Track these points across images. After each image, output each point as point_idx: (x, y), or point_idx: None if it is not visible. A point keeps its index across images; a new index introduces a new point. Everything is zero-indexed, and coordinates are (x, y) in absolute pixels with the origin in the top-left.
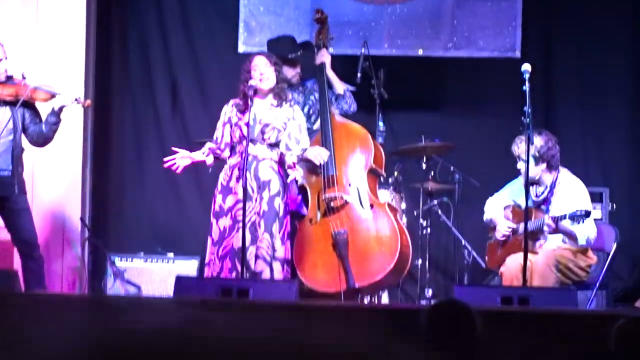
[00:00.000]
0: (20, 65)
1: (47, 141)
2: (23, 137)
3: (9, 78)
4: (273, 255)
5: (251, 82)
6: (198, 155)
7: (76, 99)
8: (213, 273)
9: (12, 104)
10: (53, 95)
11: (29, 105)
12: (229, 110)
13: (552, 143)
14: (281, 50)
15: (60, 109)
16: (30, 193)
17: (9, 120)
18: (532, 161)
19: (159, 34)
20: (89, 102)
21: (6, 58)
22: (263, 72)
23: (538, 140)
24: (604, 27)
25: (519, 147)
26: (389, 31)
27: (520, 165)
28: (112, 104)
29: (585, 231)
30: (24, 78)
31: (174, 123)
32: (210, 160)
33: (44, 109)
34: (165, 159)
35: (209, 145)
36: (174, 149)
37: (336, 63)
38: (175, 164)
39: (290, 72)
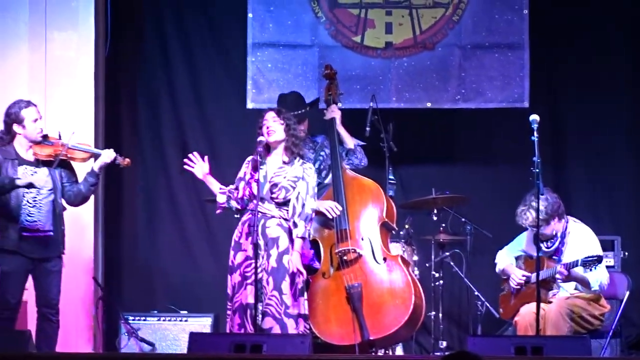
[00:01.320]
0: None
1: (84, 200)
2: None
3: (45, 137)
4: (284, 312)
5: (260, 138)
6: (214, 184)
7: (116, 158)
8: (231, 328)
9: (49, 163)
10: (92, 155)
11: (65, 164)
12: (244, 167)
13: (552, 199)
14: (288, 107)
15: (100, 168)
16: None
17: (47, 180)
18: (543, 224)
19: (168, 92)
20: (128, 160)
21: (41, 118)
22: (269, 126)
23: (541, 204)
24: (611, 76)
25: (524, 219)
26: (397, 85)
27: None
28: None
29: (598, 276)
30: (60, 138)
31: (184, 180)
32: (221, 198)
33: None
34: (188, 158)
35: (229, 188)
36: (196, 154)
37: (345, 117)
38: (192, 166)
39: (298, 128)
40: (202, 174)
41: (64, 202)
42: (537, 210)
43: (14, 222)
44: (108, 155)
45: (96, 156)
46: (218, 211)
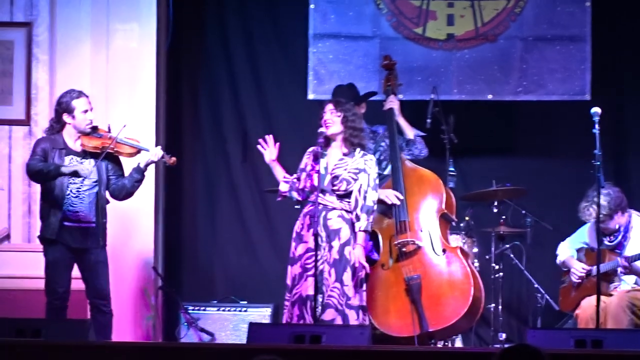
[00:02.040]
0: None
1: (128, 196)
2: None
3: (94, 129)
4: (346, 303)
5: (320, 130)
6: (279, 172)
7: (163, 156)
8: (288, 319)
9: (96, 155)
10: (139, 151)
11: (112, 157)
12: (305, 158)
13: (614, 193)
14: (343, 97)
15: (147, 165)
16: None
17: (93, 170)
18: (607, 219)
19: (229, 83)
20: (174, 159)
21: (92, 109)
22: (327, 119)
23: (603, 199)
24: None
25: (587, 215)
26: (458, 77)
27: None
28: (184, 154)
29: None
30: (109, 131)
31: (245, 172)
32: (284, 187)
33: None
34: (263, 139)
35: (292, 177)
36: (270, 138)
37: (406, 109)
38: (265, 149)
39: (357, 119)
40: (269, 158)
41: (107, 195)
42: (598, 202)
43: (56, 211)
44: (155, 153)
45: (144, 152)
46: (279, 199)
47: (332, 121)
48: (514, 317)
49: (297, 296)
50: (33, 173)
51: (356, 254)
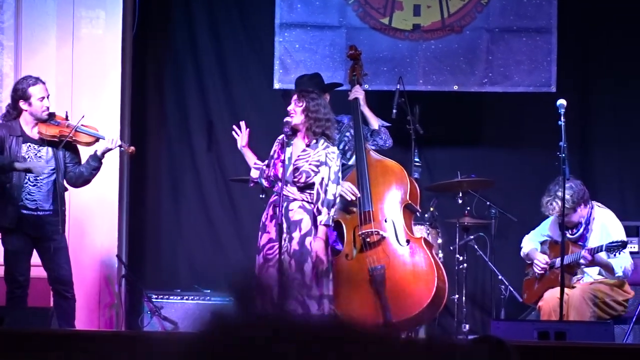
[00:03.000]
0: (58, 107)
1: (85, 183)
2: None
3: (51, 116)
4: (306, 294)
5: (285, 119)
6: (250, 157)
7: (120, 145)
8: None
9: (54, 144)
10: (97, 139)
11: (70, 145)
12: (275, 145)
13: (577, 187)
14: (306, 87)
15: (103, 153)
16: (67, 231)
17: (51, 160)
18: (570, 212)
19: (195, 72)
20: (132, 148)
21: (48, 96)
22: (290, 110)
23: (567, 193)
24: (638, 62)
25: (552, 211)
26: (424, 67)
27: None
28: (148, 143)
29: (621, 262)
30: (66, 118)
31: (210, 161)
32: (254, 173)
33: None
34: (237, 125)
35: (263, 163)
36: (243, 124)
37: (372, 99)
38: (238, 134)
39: (320, 109)
40: (240, 144)
41: (65, 182)
42: (563, 194)
43: (13, 200)
44: (112, 140)
45: (101, 140)
46: (251, 184)
47: (295, 111)
48: (477, 309)
49: None
50: None
51: (315, 247)
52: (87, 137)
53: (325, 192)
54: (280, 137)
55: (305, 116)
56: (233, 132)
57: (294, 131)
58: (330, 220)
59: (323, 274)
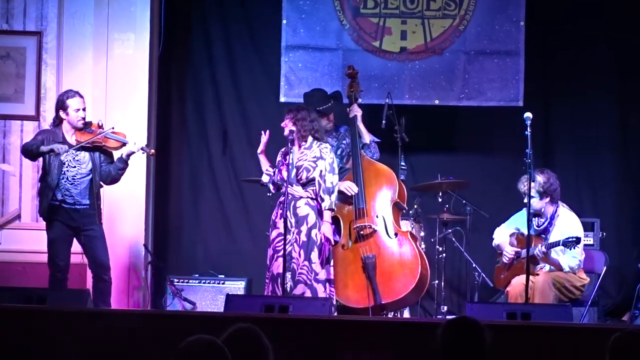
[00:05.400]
0: (94, 116)
1: (113, 181)
2: None
3: (87, 124)
4: (314, 278)
5: (285, 133)
6: (264, 163)
7: (142, 148)
8: (268, 293)
9: (88, 148)
10: (123, 144)
11: (103, 149)
12: (279, 156)
13: (553, 180)
14: (313, 102)
15: (128, 155)
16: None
17: (88, 162)
18: (537, 196)
19: (212, 87)
20: (153, 151)
21: (84, 108)
22: (283, 125)
23: (541, 178)
24: (597, 79)
25: (524, 185)
26: (410, 84)
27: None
28: (171, 148)
29: (569, 261)
30: (100, 127)
31: (225, 163)
32: (264, 178)
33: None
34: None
35: (273, 170)
36: (267, 133)
37: (364, 111)
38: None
39: (324, 121)
40: (260, 150)
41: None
42: (529, 193)
43: (48, 194)
44: (134, 145)
45: (128, 145)
46: (262, 185)
47: (286, 124)
48: (454, 292)
49: (270, 274)
50: (23, 151)
51: (324, 229)
52: (114, 142)
53: (324, 181)
54: (283, 148)
55: (295, 125)
56: (262, 134)
57: (292, 141)
58: (333, 205)
59: (327, 260)
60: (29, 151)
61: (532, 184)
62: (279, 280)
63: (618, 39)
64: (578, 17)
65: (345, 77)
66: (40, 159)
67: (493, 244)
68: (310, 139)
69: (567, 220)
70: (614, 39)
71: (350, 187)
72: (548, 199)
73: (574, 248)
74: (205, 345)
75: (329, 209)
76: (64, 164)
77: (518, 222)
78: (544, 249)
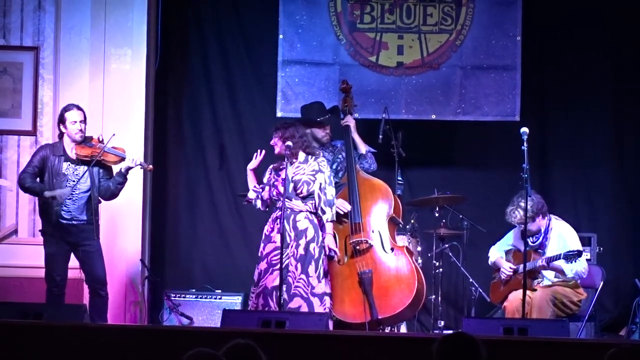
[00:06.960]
0: (91, 131)
1: (112, 196)
2: None
3: (87, 139)
4: (311, 292)
5: (277, 152)
6: (251, 181)
7: (140, 164)
8: (252, 308)
9: (87, 162)
10: (122, 159)
11: (102, 164)
12: (267, 173)
13: (537, 199)
14: (312, 114)
15: (127, 170)
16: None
17: (86, 176)
18: (530, 220)
19: (209, 102)
20: (151, 167)
21: (82, 121)
22: (272, 143)
23: (528, 203)
24: (594, 94)
25: (513, 217)
26: (406, 99)
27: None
28: (168, 162)
29: (574, 267)
30: (100, 141)
31: (221, 178)
32: (251, 195)
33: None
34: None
35: (260, 187)
36: (262, 152)
37: (361, 126)
38: (256, 157)
39: (320, 133)
40: (251, 167)
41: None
42: (526, 209)
43: (50, 211)
44: (132, 160)
45: (126, 160)
46: (245, 203)
47: (275, 143)
48: (451, 307)
49: (261, 288)
50: (22, 188)
51: (327, 241)
52: (113, 157)
53: (325, 194)
54: (272, 165)
55: (284, 143)
56: (256, 153)
57: (284, 157)
58: (335, 217)
59: (325, 274)
60: (30, 193)
61: (522, 213)
62: (274, 293)
63: (615, 55)
64: (575, 31)
65: (341, 92)
66: (39, 163)
67: (489, 262)
68: (302, 154)
69: (562, 232)
70: (611, 54)
71: (342, 205)
72: (540, 217)
73: (577, 261)
74: (206, 358)
75: (330, 221)
76: (65, 179)
77: (512, 238)
78: (544, 263)
